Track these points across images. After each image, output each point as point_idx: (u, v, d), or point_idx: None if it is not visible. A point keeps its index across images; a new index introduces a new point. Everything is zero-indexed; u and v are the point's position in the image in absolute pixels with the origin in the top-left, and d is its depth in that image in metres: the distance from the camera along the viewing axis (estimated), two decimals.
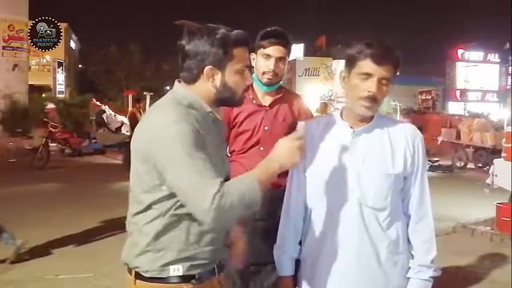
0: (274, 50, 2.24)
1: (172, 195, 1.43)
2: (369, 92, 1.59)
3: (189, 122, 1.41)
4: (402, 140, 1.67)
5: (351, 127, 1.68)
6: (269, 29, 2.27)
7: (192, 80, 1.50)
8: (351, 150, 1.66)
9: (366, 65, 1.59)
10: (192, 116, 1.45)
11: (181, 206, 1.43)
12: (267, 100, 2.34)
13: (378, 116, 1.70)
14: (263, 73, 2.27)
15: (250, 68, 2.37)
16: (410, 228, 1.72)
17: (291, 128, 2.24)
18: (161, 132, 1.39)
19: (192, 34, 1.47)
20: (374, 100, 1.61)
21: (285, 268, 1.81)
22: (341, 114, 1.73)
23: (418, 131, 1.74)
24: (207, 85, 1.49)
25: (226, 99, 1.54)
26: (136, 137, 1.50)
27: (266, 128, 2.29)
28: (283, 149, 1.46)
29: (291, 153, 1.45)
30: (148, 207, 1.47)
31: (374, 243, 1.64)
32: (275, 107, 2.33)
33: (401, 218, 1.70)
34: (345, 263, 1.65)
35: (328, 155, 1.68)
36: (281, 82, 2.37)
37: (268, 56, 2.25)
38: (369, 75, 1.59)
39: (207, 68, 1.47)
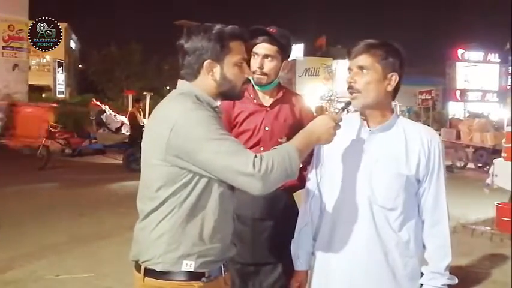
0: (259, 48, 2.22)
1: (187, 184, 1.46)
2: (347, 82, 1.68)
3: (206, 109, 1.50)
4: (417, 141, 1.67)
5: (368, 126, 1.71)
6: (257, 27, 2.24)
7: (193, 76, 1.57)
8: (365, 149, 1.68)
9: (349, 62, 1.71)
10: (203, 106, 1.52)
11: (196, 196, 1.48)
12: (267, 100, 2.33)
13: (395, 116, 1.72)
14: (253, 72, 2.24)
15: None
16: (424, 233, 1.71)
17: (292, 129, 2.25)
18: (185, 119, 1.44)
19: (190, 32, 1.55)
20: (352, 89, 1.66)
21: (301, 262, 1.84)
22: (360, 113, 1.75)
23: (437, 134, 1.74)
24: (208, 79, 1.56)
25: (227, 92, 1.60)
26: (151, 131, 1.54)
27: (267, 128, 2.28)
28: (323, 123, 1.54)
29: (328, 130, 1.53)
30: (164, 201, 1.49)
31: (383, 243, 1.65)
32: (276, 107, 2.32)
33: (415, 221, 1.69)
34: (353, 260, 1.66)
35: (343, 152, 1.71)
36: (276, 81, 2.33)
37: (255, 55, 2.23)
38: (350, 69, 1.70)
39: (206, 62, 1.54)
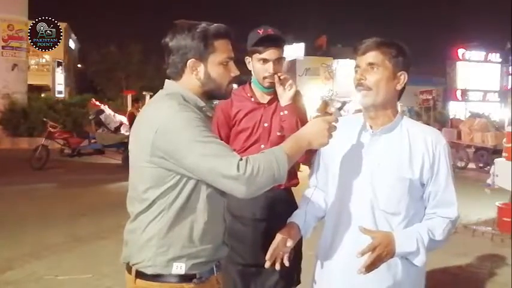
0: (270, 54, 2.22)
1: (174, 186, 1.45)
2: (356, 79, 1.64)
3: (192, 110, 1.48)
4: (421, 144, 1.63)
5: (371, 127, 1.68)
6: (259, 31, 2.24)
7: (178, 75, 1.56)
8: (368, 151, 1.65)
9: (357, 59, 1.67)
10: (189, 107, 1.50)
11: (185, 198, 1.46)
12: (265, 98, 2.34)
13: (400, 118, 1.69)
14: (264, 78, 2.26)
15: (247, 69, 2.36)
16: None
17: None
18: (169, 121, 1.42)
19: (174, 31, 1.53)
20: (362, 86, 1.63)
21: (293, 217, 1.79)
22: (365, 113, 1.72)
23: (442, 136, 1.69)
24: (192, 78, 1.55)
25: (212, 91, 1.58)
26: (138, 133, 1.52)
27: (266, 124, 2.29)
28: (315, 127, 1.51)
29: (321, 133, 1.50)
30: (153, 203, 1.48)
31: None
32: (273, 103, 2.33)
33: None
34: (354, 264, 1.61)
35: (345, 154, 1.69)
36: None
37: (265, 61, 2.23)
38: (358, 67, 1.66)
39: (189, 61, 1.52)
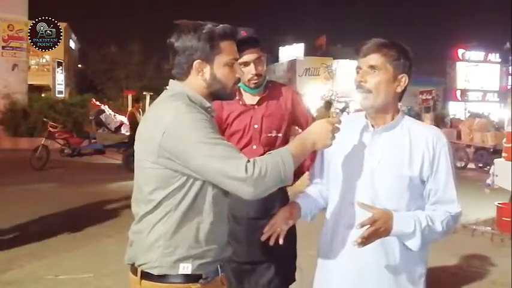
0: (249, 56, 2.28)
1: (181, 187, 1.46)
2: (357, 81, 1.65)
3: (198, 111, 1.47)
4: (422, 142, 1.64)
5: (373, 126, 1.69)
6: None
7: (183, 76, 1.56)
8: (369, 149, 1.67)
9: (358, 60, 1.67)
10: (196, 108, 1.50)
11: (191, 199, 1.47)
12: (254, 99, 2.38)
13: (401, 116, 1.70)
14: (248, 80, 2.31)
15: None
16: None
17: (282, 120, 2.35)
18: (176, 123, 1.42)
19: (180, 31, 1.53)
20: (362, 88, 1.64)
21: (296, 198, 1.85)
22: (366, 113, 1.73)
23: (443, 135, 1.70)
24: (198, 79, 1.54)
25: (217, 92, 1.58)
26: (143, 134, 1.52)
27: (256, 126, 2.33)
28: (319, 128, 1.53)
29: (325, 135, 1.51)
30: (159, 204, 1.48)
31: (386, 246, 1.62)
32: (263, 104, 2.38)
33: None
34: (354, 261, 1.64)
35: (347, 153, 1.70)
36: (267, 78, 2.41)
37: (246, 63, 2.28)
38: (359, 68, 1.67)
39: (195, 62, 1.52)
